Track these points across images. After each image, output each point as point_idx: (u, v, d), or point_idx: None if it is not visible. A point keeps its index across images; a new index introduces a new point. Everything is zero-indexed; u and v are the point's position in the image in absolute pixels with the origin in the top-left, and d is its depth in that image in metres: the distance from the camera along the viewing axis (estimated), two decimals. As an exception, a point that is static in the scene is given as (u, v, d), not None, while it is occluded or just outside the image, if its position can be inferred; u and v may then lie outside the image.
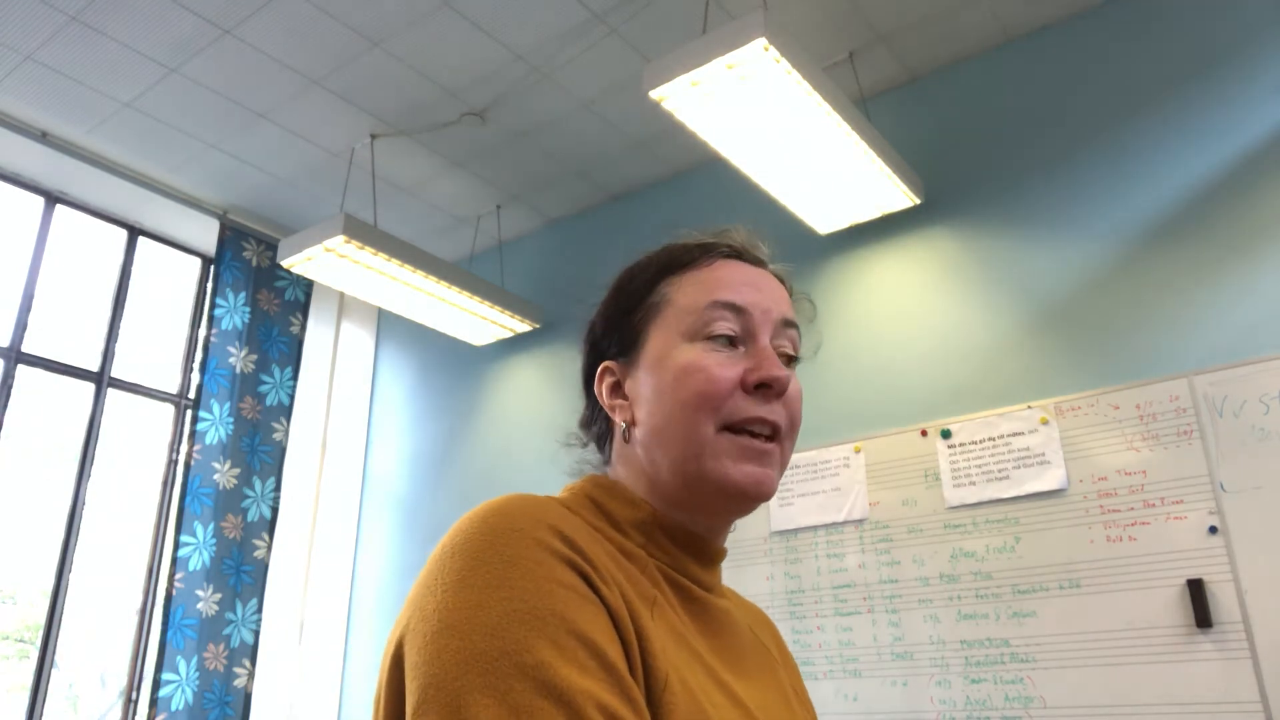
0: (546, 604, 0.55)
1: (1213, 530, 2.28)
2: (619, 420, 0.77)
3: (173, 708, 3.44)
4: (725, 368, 0.72)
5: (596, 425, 0.81)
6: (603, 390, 0.78)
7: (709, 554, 0.76)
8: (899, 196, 2.88)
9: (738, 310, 0.74)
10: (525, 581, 0.56)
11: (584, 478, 0.78)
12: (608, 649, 0.55)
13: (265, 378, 4.04)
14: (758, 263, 0.81)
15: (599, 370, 0.79)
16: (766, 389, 0.72)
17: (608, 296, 0.82)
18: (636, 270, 0.81)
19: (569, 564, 0.58)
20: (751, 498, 0.71)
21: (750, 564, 2.98)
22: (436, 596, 0.56)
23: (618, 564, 0.65)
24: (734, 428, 0.71)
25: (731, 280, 0.76)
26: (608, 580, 0.60)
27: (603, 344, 0.80)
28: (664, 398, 0.72)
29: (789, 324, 0.77)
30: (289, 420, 4.09)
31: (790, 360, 0.78)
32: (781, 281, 0.83)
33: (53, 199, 3.74)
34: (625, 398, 0.76)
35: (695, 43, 2.32)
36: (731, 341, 0.74)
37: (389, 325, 4.54)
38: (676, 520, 0.73)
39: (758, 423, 0.71)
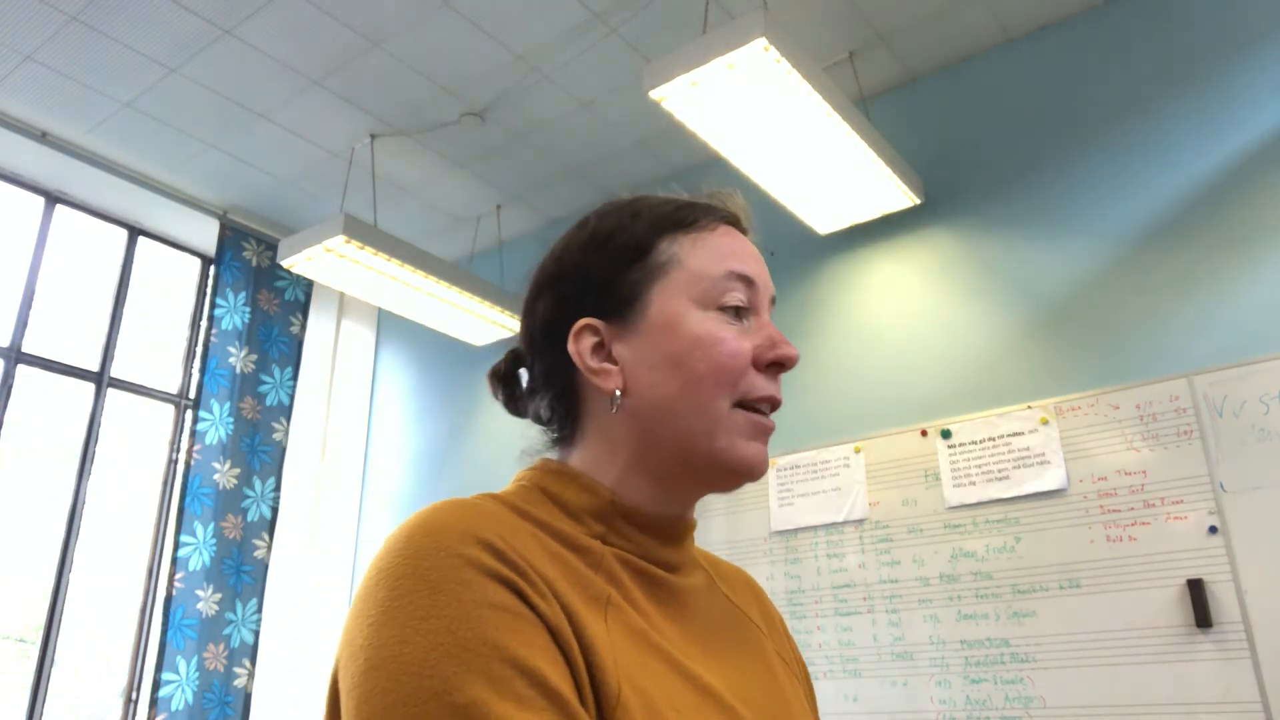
0: (476, 632, 0.52)
1: (1213, 530, 2.28)
2: (608, 387, 0.69)
3: (173, 708, 3.44)
4: (741, 341, 0.69)
5: (552, 393, 0.73)
6: (583, 351, 0.70)
7: (675, 533, 0.72)
8: (899, 196, 2.88)
9: (749, 283, 0.71)
10: (452, 609, 0.52)
11: (535, 464, 0.73)
12: (549, 673, 0.52)
13: (265, 378, 4.04)
14: (744, 233, 0.77)
15: (576, 327, 0.70)
16: (779, 368, 0.70)
17: (583, 243, 0.73)
18: (624, 221, 0.73)
19: (500, 580, 0.55)
20: (753, 476, 0.70)
21: (750, 564, 2.98)
22: (364, 632, 0.53)
23: (563, 565, 0.61)
24: (745, 404, 0.69)
25: (741, 251, 0.73)
26: (544, 592, 0.56)
27: (579, 298, 0.71)
28: (677, 368, 0.68)
29: (773, 300, 0.76)
30: (289, 420, 4.09)
31: None
32: None
33: (53, 199, 3.74)
34: (614, 362, 0.69)
35: (695, 43, 2.32)
36: (739, 313, 0.70)
37: (389, 325, 4.54)
38: (639, 503, 0.69)
39: (768, 401, 0.70)
